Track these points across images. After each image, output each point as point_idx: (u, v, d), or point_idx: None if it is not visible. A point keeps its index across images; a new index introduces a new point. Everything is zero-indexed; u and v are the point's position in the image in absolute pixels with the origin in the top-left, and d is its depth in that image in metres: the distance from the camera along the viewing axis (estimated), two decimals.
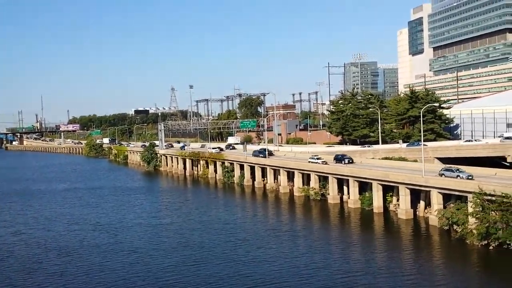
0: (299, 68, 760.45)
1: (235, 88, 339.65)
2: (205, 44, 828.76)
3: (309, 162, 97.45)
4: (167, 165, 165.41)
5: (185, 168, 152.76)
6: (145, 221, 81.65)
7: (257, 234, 69.84)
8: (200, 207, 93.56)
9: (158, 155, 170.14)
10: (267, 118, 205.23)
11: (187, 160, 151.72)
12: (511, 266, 51.17)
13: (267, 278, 49.84)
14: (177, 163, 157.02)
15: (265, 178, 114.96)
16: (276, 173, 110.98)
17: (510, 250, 54.09)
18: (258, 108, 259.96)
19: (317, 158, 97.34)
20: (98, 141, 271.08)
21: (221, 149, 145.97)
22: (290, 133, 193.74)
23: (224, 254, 59.42)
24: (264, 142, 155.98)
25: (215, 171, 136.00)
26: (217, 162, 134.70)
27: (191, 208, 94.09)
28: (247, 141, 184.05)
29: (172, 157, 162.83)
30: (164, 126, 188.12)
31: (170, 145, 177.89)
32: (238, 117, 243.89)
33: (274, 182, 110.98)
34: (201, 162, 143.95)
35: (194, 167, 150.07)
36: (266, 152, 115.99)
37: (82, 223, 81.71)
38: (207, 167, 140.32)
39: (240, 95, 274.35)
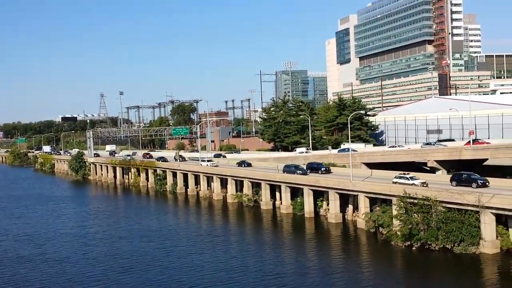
0: (232, 76, 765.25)
1: (167, 95, 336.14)
2: (136, 51, 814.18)
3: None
4: (96, 173, 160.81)
5: (115, 176, 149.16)
6: (72, 230, 79.25)
7: (189, 240, 69.91)
8: (130, 216, 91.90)
9: (87, 163, 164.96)
10: (200, 125, 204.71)
11: (118, 168, 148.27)
12: (431, 264, 54.31)
13: (200, 283, 50.04)
14: (107, 171, 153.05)
15: (199, 186, 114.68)
16: (209, 180, 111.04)
17: (431, 249, 57.38)
18: (191, 115, 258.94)
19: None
20: (35, 152, 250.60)
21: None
22: (223, 140, 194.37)
23: (155, 261, 58.95)
24: (197, 150, 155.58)
25: (147, 179, 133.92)
26: (149, 170, 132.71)
27: (121, 216, 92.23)
28: (180, 148, 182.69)
29: (101, 165, 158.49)
30: (93, 134, 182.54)
31: (97, 155, 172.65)
32: (171, 124, 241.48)
33: (208, 189, 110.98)
34: (132, 170, 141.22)
35: (125, 175, 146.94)
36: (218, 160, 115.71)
37: (4, 234, 77.95)
38: (139, 175, 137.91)
39: (172, 102, 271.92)
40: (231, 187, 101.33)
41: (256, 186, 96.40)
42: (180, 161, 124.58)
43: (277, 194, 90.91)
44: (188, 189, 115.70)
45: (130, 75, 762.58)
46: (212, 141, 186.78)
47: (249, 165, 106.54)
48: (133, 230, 78.31)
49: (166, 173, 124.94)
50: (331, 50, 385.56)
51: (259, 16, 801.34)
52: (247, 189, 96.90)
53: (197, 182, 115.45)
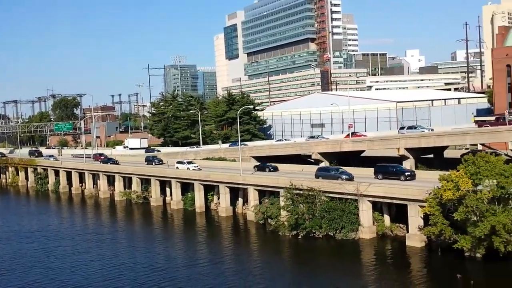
0: (119, 70, 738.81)
1: (48, 89, 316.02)
2: (13, 44, 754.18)
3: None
4: None
5: None
6: None
7: (74, 240, 67.41)
8: (8, 217, 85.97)
9: None
10: (84, 120, 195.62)
11: None
12: (315, 251, 57.51)
13: (85, 282, 48.64)
14: None
15: (84, 184, 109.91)
16: (95, 177, 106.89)
17: (315, 237, 60.66)
18: (75, 110, 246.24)
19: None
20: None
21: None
22: (109, 136, 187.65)
23: (36, 262, 56.25)
24: (81, 146, 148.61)
25: (27, 178, 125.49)
26: (29, 168, 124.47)
27: None
28: (62, 145, 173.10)
29: None
30: None
31: None
32: (52, 119, 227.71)
33: (94, 188, 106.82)
34: (10, 168, 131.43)
35: (2, 174, 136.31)
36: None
37: None
38: (17, 174, 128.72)
39: (54, 96, 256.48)
40: (118, 184, 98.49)
41: (145, 182, 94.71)
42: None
43: (167, 190, 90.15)
44: (72, 188, 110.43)
45: (8, 69, 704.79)
46: (98, 137, 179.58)
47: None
48: (12, 231, 73.48)
49: (47, 172, 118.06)
50: (220, 46, 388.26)
51: (147, 8, 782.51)
52: (136, 185, 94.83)
53: (81, 181, 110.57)
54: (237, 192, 79.29)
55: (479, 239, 45.89)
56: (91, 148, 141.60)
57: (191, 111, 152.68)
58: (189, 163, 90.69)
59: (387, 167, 68.69)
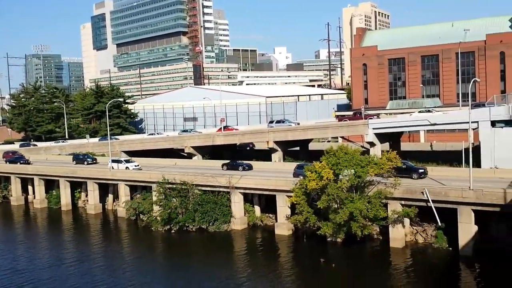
0: None
1: None
2: None
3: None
4: None
5: None
6: None
7: None
8: None
9: None
10: None
11: None
12: (189, 244, 57.92)
13: None
14: None
15: None
16: None
17: (188, 231, 61.08)
18: None
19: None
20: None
21: None
22: None
23: None
24: None
25: None
26: None
27: None
28: None
29: None
30: None
31: None
32: None
33: None
34: None
35: None
36: None
37: None
38: None
39: None
40: None
41: (5, 180, 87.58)
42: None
43: (30, 188, 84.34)
44: None
45: None
46: None
47: None
48: None
49: None
50: (87, 35, 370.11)
51: None
52: None
53: None
54: (106, 188, 76.76)
55: (339, 225, 49.76)
56: None
57: (55, 104, 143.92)
58: (127, 161, 77.81)
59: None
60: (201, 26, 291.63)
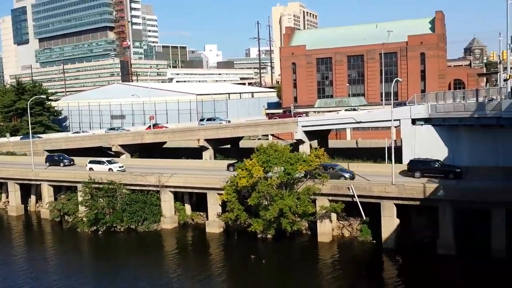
0: None
1: None
2: None
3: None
4: None
5: None
6: None
7: None
8: None
9: None
10: None
11: None
12: (117, 245, 56.54)
13: None
14: None
15: None
16: None
17: (116, 231, 59.57)
18: None
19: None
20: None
21: None
22: None
23: None
24: None
25: None
26: None
27: None
28: None
29: None
30: None
31: None
32: None
33: None
34: None
35: None
36: None
37: None
38: None
39: None
40: None
41: None
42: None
43: None
44: None
45: None
46: None
47: None
48: None
49: None
50: (7, 29, 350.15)
51: None
52: None
53: None
54: (29, 189, 73.23)
55: (270, 222, 50.45)
56: None
57: None
58: (110, 162, 70.80)
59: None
60: (129, 21, 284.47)
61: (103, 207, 60.11)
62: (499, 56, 78.48)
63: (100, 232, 59.65)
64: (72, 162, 78.03)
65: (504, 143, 56.87)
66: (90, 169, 70.18)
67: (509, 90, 56.98)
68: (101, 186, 61.18)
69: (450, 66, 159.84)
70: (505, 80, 61.62)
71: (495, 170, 53.94)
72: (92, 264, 51.89)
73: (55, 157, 79.21)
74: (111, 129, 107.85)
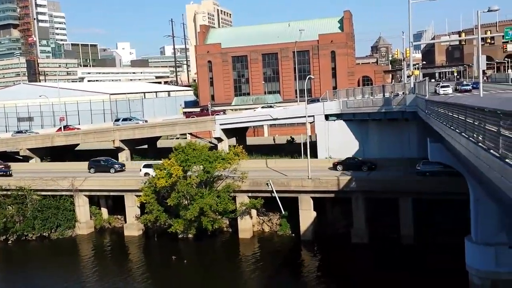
0: None
1: None
2: None
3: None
4: None
5: None
6: None
7: None
8: None
9: None
10: None
11: None
12: (28, 254, 53.70)
13: None
14: None
15: None
16: None
17: (28, 240, 56.56)
18: None
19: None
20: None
21: None
22: None
23: None
24: None
25: None
26: None
27: None
28: None
29: None
30: None
31: None
32: None
33: None
34: None
35: None
36: None
37: None
38: None
39: None
40: None
41: None
42: None
43: None
44: None
45: None
46: None
47: None
48: None
49: None
50: None
51: None
52: None
53: None
54: None
55: (190, 221, 50.24)
56: None
57: None
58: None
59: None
60: (34, 19, 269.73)
61: (12, 215, 56.80)
62: (402, 53, 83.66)
63: (10, 242, 56.45)
64: (124, 168, 67.80)
65: (410, 136, 60.61)
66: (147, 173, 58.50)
67: (411, 86, 60.74)
68: (9, 193, 57.75)
69: (359, 63, 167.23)
70: (409, 76, 65.51)
71: (401, 161, 57.33)
72: (2, 274, 48.89)
73: (101, 162, 68.08)
74: (18, 132, 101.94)
